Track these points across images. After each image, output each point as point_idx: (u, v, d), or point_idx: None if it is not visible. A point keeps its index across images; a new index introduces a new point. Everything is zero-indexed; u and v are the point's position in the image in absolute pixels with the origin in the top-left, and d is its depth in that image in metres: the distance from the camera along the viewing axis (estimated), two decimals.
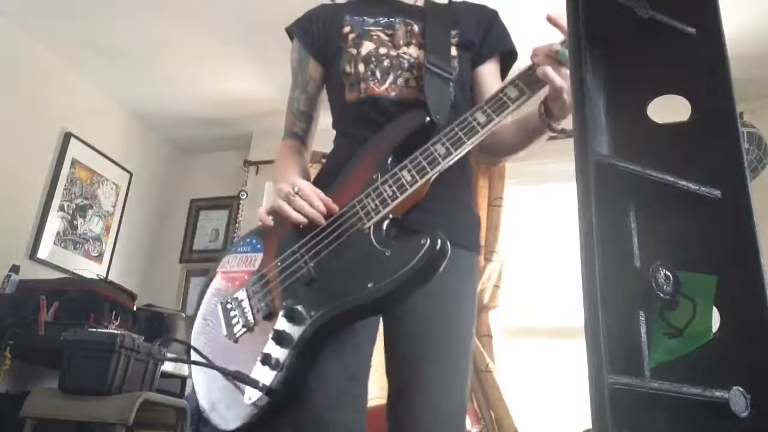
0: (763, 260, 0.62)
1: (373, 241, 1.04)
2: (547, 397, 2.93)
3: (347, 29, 1.30)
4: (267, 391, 1.03)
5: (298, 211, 1.08)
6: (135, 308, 3.07)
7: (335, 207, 1.10)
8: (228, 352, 1.14)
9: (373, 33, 1.28)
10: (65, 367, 2.46)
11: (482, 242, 3.15)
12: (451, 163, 1.07)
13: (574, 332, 2.84)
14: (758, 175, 2.80)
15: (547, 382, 2.97)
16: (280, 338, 1.05)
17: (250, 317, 1.13)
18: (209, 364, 1.11)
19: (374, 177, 1.10)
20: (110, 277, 3.46)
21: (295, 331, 1.05)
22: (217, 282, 1.24)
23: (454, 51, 1.27)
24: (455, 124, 1.08)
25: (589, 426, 0.52)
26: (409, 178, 1.06)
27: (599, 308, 0.55)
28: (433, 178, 1.07)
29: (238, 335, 1.14)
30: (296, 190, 1.10)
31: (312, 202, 1.09)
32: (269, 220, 1.13)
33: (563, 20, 0.98)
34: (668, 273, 0.61)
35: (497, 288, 3.12)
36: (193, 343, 1.20)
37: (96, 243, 3.64)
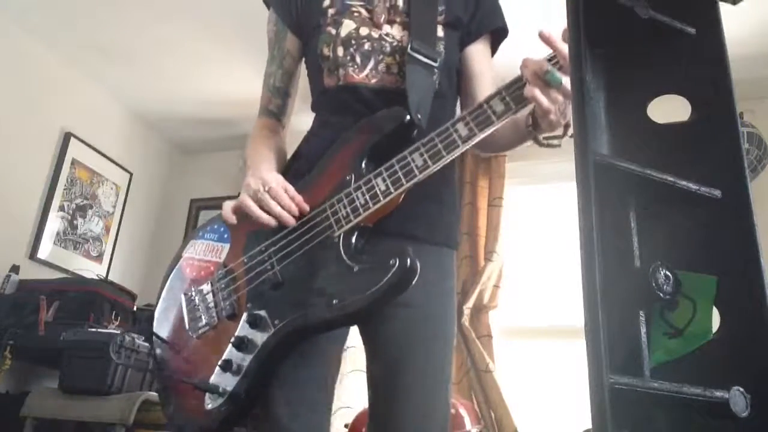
0: (763, 260, 0.63)
1: (342, 252, 1.00)
2: (547, 397, 2.93)
3: (327, 3, 1.22)
4: (228, 396, 1.01)
5: (266, 211, 1.04)
6: (135, 308, 3.07)
7: (306, 207, 1.05)
8: (189, 347, 1.11)
9: (354, 9, 1.20)
10: (65, 367, 2.46)
11: (482, 242, 3.17)
12: (428, 175, 1.01)
13: (574, 332, 2.84)
14: (758, 175, 2.80)
15: (547, 382, 2.97)
16: (242, 344, 1.03)
17: (214, 315, 1.10)
18: (167, 374, 1.10)
19: (348, 178, 1.05)
20: (110, 277, 3.46)
21: (257, 337, 1.02)
22: (182, 268, 1.21)
23: (440, 31, 1.19)
24: (435, 134, 1.01)
25: (589, 426, 0.52)
26: (383, 188, 1.01)
27: (599, 308, 0.55)
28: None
29: (200, 332, 1.11)
30: (266, 188, 1.04)
31: (282, 201, 1.04)
32: (233, 219, 1.08)
33: (556, 38, 0.93)
34: (668, 273, 0.61)
35: (497, 288, 3.12)
36: (155, 330, 1.17)
37: (96, 243, 3.64)
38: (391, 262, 0.93)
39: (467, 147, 1.01)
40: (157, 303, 1.22)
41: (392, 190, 1.01)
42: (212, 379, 1.04)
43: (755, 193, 0.64)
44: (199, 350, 1.10)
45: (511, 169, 3.29)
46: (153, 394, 2.47)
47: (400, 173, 1.01)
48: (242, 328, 1.04)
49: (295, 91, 1.32)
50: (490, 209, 3.23)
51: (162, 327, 1.17)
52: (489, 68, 1.27)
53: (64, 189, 3.43)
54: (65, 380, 2.46)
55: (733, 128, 0.68)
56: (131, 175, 3.90)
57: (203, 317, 1.11)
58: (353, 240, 1.02)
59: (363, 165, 1.06)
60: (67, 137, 3.44)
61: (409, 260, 0.93)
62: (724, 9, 0.71)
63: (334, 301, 0.97)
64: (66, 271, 3.33)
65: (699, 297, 0.63)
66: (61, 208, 3.41)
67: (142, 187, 4.00)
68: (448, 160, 1.01)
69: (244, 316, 1.05)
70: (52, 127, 3.39)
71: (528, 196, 3.42)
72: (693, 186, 0.65)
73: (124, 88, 3.67)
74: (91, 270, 3.34)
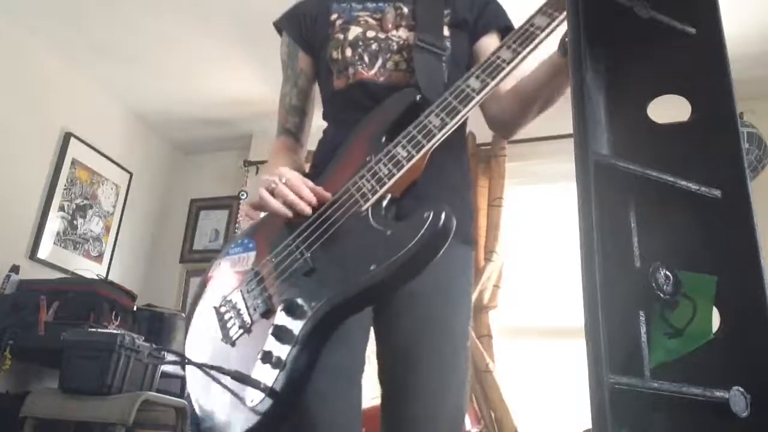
0: (763, 260, 0.62)
1: (372, 222, 0.97)
2: (547, 397, 2.93)
3: (334, 16, 1.26)
4: (270, 392, 0.94)
5: (283, 202, 1.02)
6: (135, 308, 3.07)
7: (327, 194, 1.04)
8: (226, 357, 1.05)
9: (361, 18, 1.24)
10: (65, 367, 2.46)
11: (482, 242, 3.17)
12: (447, 134, 1.00)
13: (574, 332, 2.84)
14: (758, 175, 2.80)
15: (547, 382, 2.97)
16: (280, 334, 0.97)
17: (247, 317, 1.05)
18: (205, 367, 1.04)
19: (368, 159, 1.04)
20: (110, 277, 3.46)
21: (295, 325, 0.97)
22: (210, 287, 1.17)
23: (446, 31, 1.22)
24: (448, 93, 1.02)
25: (589, 426, 0.52)
26: (405, 154, 1.00)
27: (599, 308, 0.55)
28: (431, 151, 1.00)
29: (235, 338, 1.06)
30: (283, 180, 1.02)
31: (299, 191, 1.02)
32: (255, 214, 1.07)
33: None
34: (668, 273, 0.61)
35: (497, 288, 3.12)
36: (187, 353, 1.11)
37: (96, 243, 3.64)
38: (425, 215, 0.90)
39: (482, 98, 1.00)
40: (186, 330, 1.16)
41: (414, 153, 0.99)
42: (253, 374, 0.98)
43: (755, 193, 0.64)
44: (237, 355, 1.04)
45: (511, 169, 3.29)
46: (153, 394, 2.47)
47: (419, 136, 1.00)
48: (279, 317, 1.00)
49: (311, 111, 1.34)
50: (490, 209, 3.23)
51: (196, 346, 1.12)
52: None
53: (64, 189, 3.42)
54: (65, 380, 2.45)
55: (733, 128, 0.68)
56: (131, 175, 3.90)
57: (236, 322, 1.07)
58: (383, 209, 1.00)
59: (382, 144, 1.05)
60: (67, 137, 3.44)
61: (444, 213, 0.89)
62: (724, 9, 0.71)
63: (372, 267, 0.92)
64: (66, 271, 3.33)
65: (699, 297, 0.62)
66: (61, 208, 3.41)
67: (142, 187, 4.00)
68: (466, 115, 1.00)
69: (280, 306, 1.01)
70: (52, 127, 3.39)
71: (528, 196, 3.42)
72: (693, 186, 0.65)
73: (124, 88, 3.67)
74: (91, 270, 3.33)
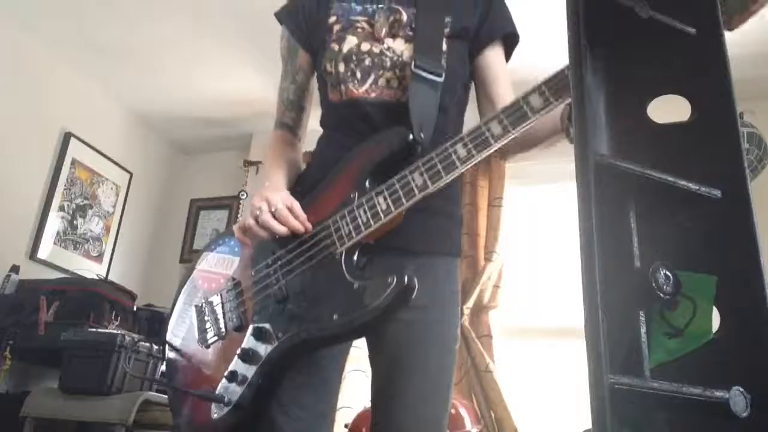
0: (763, 260, 0.62)
1: (343, 268, 1.03)
2: (547, 397, 2.93)
3: (333, 19, 1.24)
4: (233, 406, 1.05)
5: (267, 230, 1.07)
6: (135, 308, 3.07)
7: (309, 226, 1.08)
8: (199, 355, 1.16)
9: (358, 25, 1.22)
10: (65, 367, 2.46)
11: (482, 242, 3.17)
12: (428, 194, 1.03)
13: (574, 332, 2.84)
14: (758, 175, 2.80)
15: (547, 382, 2.97)
16: (247, 356, 1.06)
17: (222, 326, 1.15)
18: (173, 386, 1.16)
19: (351, 196, 1.08)
20: (110, 277, 3.46)
21: (262, 349, 1.06)
22: (195, 280, 1.27)
23: (444, 45, 1.19)
24: (435, 154, 1.02)
25: (589, 426, 0.52)
26: (384, 207, 1.03)
27: (599, 308, 0.55)
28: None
29: (210, 342, 1.16)
30: (273, 209, 1.06)
31: (286, 222, 1.06)
32: (246, 240, 1.12)
33: None
34: (668, 273, 0.61)
35: (497, 288, 3.12)
36: (169, 339, 1.23)
37: (96, 243, 3.64)
38: (389, 279, 0.95)
39: (466, 168, 1.02)
40: (171, 314, 1.28)
41: (393, 209, 1.02)
42: (218, 390, 1.08)
43: (755, 193, 0.64)
44: (209, 360, 1.15)
45: (511, 169, 3.28)
46: (153, 394, 2.47)
47: (400, 192, 1.03)
48: (248, 340, 1.08)
49: (309, 105, 1.35)
50: (490, 209, 3.23)
51: (175, 338, 1.23)
52: (504, 71, 1.28)
53: (64, 189, 3.43)
54: (65, 380, 2.46)
55: (733, 128, 0.68)
56: (131, 175, 3.90)
57: (212, 328, 1.16)
58: (355, 257, 1.04)
59: (367, 183, 1.08)
60: (67, 137, 3.44)
61: (406, 278, 0.94)
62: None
63: (335, 317, 0.99)
64: (66, 271, 3.33)
65: (699, 297, 0.63)
66: (61, 208, 3.41)
67: (142, 187, 4.00)
68: (448, 181, 1.02)
69: (250, 328, 1.09)
70: (52, 127, 3.39)
71: (528, 196, 3.42)
72: (693, 186, 0.65)
73: (124, 88, 3.67)
74: (91, 270, 3.34)
